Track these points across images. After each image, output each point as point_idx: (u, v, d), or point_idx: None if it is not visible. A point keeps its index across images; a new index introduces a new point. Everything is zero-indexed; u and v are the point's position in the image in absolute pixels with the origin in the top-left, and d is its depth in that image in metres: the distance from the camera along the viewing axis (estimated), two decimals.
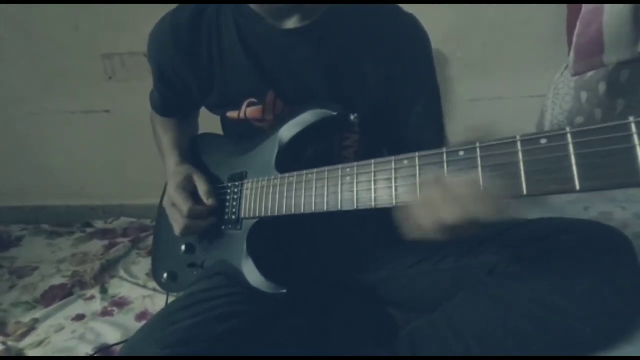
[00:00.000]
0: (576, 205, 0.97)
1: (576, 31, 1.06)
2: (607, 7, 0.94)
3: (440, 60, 1.35)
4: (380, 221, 0.79)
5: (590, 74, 1.11)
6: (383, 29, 0.68)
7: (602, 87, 1.08)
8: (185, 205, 0.70)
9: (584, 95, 1.15)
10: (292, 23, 0.65)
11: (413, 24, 0.70)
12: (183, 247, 0.78)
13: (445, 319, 0.63)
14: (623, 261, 0.56)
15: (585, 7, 1.03)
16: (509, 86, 1.38)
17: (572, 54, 1.09)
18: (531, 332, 0.56)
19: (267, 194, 0.64)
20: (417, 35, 0.70)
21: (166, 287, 0.84)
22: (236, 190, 0.72)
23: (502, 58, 1.36)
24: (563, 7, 1.22)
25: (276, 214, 0.61)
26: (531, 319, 0.56)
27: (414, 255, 0.71)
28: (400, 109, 0.71)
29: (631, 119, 0.32)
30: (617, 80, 1.03)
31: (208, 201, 0.72)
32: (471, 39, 1.35)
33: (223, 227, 0.73)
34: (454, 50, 1.35)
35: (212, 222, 0.73)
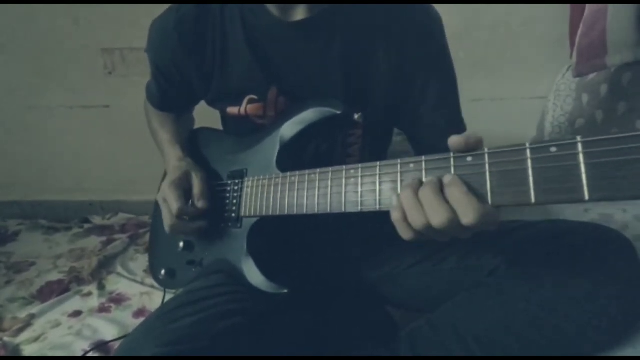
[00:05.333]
0: (576, 207, 0.96)
1: (579, 32, 1.06)
2: (611, 8, 0.94)
3: None
4: (380, 220, 0.79)
5: (591, 76, 1.11)
6: (393, 14, 0.66)
7: (603, 90, 1.08)
8: (175, 204, 0.68)
9: (585, 97, 1.14)
10: (299, 15, 0.64)
11: (424, 7, 0.69)
12: (181, 244, 0.77)
13: (445, 319, 0.63)
14: (624, 263, 0.56)
15: (589, 9, 1.02)
16: (511, 87, 1.38)
17: (574, 55, 1.09)
18: (531, 333, 0.56)
19: (268, 193, 0.63)
20: (428, 18, 0.69)
21: (164, 284, 0.83)
22: (236, 188, 0.71)
23: (504, 59, 1.36)
24: (566, 8, 1.22)
25: (277, 213, 0.60)
26: (531, 320, 0.56)
27: (414, 255, 0.71)
28: (414, 96, 0.69)
29: None
30: (618, 83, 1.03)
31: (198, 203, 0.70)
32: (474, 39, 1.35)
33: (222, 225, 0.72)
34: (456, 50, 1.34)
35: (201, 226, 0.71)
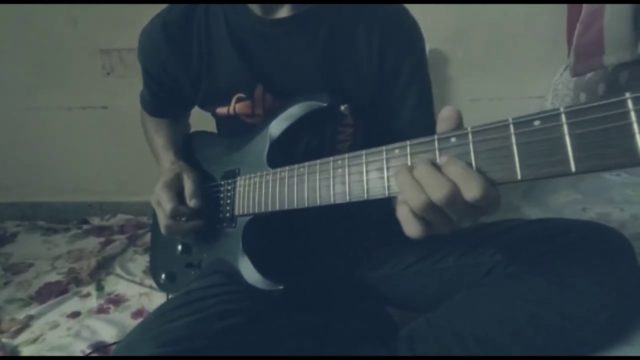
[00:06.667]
0: (574, 206, 0.97)
1: (576, 32, 1.06)
2: (608, 8, 0.94)
3: (441, 60, 1.35)
4: (378, 219, 0.79)
5: (589, 75, 1.11)
6: (375, 15, 0.67)
7: (601, 89, 1.09)
8: (168, 205, 0.68)
9: (582, 97, 1.15)
10: (282, 12, 0.65)
11: (404, 12, 0.71)
12: (179, 247, 0.77)
13: (444, 318, 0.63)
14: (622, 262, 0.56)
15: (586, 8, 1.03)
16: (509, 86, 1.38)
17: (571, 54, 1.09)
18: (530, 332, 0.56)
19: (259, 190, 0.63)
20: (408, 23, 0.70)
21: (164, 288, 0.83)
22: (229, 187, 0.71)
23: (502, 58, 1.36)
24: (563, 8, 1.23)
25: (269, 209, 0.60)
26: (530, 319, 0.56)
27: (413, 254, 0.71)
28: (393, 99, 0.70)
29: (627, 94, 0.30)
30: (616, 82, 1.04)
31: (191, 202, 0.70)
32: (472, 39, 1.35)
33: (218, 226, 0.72)
34: (454, 49, 1.35)
35: (196, 225, 0.72)
